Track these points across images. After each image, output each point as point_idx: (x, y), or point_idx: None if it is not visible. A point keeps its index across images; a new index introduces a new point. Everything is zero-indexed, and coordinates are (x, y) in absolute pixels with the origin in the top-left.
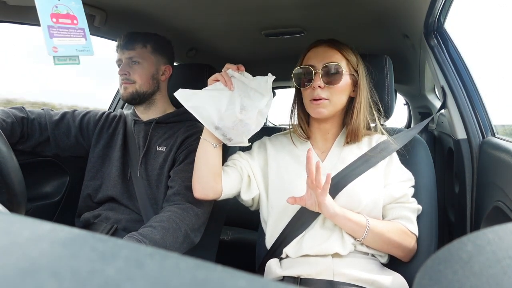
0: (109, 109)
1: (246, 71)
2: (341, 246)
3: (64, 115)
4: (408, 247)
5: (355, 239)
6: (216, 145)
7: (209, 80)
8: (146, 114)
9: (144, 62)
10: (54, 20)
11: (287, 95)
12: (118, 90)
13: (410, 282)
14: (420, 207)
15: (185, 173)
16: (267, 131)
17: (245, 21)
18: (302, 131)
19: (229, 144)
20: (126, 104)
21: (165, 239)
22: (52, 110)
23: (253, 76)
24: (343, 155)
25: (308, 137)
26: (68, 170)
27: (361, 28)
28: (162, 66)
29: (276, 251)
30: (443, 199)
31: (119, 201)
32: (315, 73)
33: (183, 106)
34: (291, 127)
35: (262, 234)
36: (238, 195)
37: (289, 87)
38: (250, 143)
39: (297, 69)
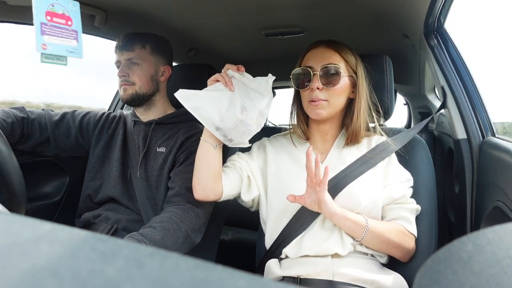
0: (109, 109)
1: (246, 71)
2: (341, 246)
3: (64, 115)
4: (407, 248)
5: (354, 239)
6: (216, 146)
7: (209, 81)
8: (146, 115)
9: (143, 63)
10: (49, 18)
11: (287, 95)
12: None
13: (410, 282)
14: (419, 207)
15: (185, 174)
16: (267, 131)
17: (245, 21)
18: (302, 132)
19: (229, 145)
20: (126, 104)
21: (165, 239)
22: (52, 111)
23: (253, 76)
24: (343, 156)
25: (307, 138)
26: (68, 170)
27: (361, 28)
28: (161, 67)
29: (276, 251)
30: (443, 199)
31: (119, 202)
32: (314, 74)
33: (182, 107)
34: (290, 127)
35: (262, 235)
36: (238, 196)
37: (289, 87)
38: (250, 144)
39: (295, 71)
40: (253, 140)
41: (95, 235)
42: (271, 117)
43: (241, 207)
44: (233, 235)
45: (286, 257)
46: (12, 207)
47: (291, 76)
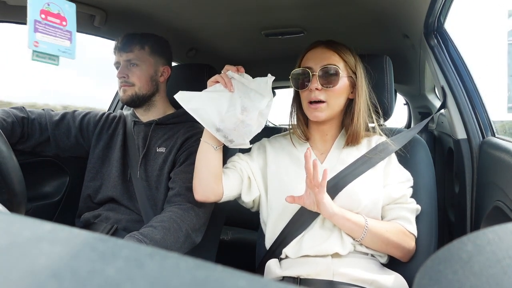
0: (108, 109)
1: (246, 71)
2: (341, 246)
3: (64, 115)
4: (407, 248)
5: (354, 239)
6: (216, 147)
7: (209, 82)
8: (146, 115)
9: (142, 64)
10: (43, 16)
11: (287, 95)
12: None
13: (410, 282)
14: (419, 207)
15: (185, 174)
16: (267, 131)
17: (245, 21)
18: (301, 132)
19: (230, 146)
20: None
21: (166, 239)
22: (52, 111)
23: (254, 76)
24: (343, 157)
25: (307, 139)
26: (68, 170)
27: (361, 28)
28: (160, 67)
29: (276, 251)
30: (443, 199)
31: (119, 202)
32: (312, 75)
33: (182, 107)
34: (290, 128)
35: (262, 235)
36: (239, 197)
37: (289, 87)
38: (251, 145)
39: (294, 71)
40: (253, 141)
41: (95, 235)
42: (271, 117)
43: (241, 207)
44: (233, 235)
45: (286, 257)
46: (12, 207)
47: (290, 77)
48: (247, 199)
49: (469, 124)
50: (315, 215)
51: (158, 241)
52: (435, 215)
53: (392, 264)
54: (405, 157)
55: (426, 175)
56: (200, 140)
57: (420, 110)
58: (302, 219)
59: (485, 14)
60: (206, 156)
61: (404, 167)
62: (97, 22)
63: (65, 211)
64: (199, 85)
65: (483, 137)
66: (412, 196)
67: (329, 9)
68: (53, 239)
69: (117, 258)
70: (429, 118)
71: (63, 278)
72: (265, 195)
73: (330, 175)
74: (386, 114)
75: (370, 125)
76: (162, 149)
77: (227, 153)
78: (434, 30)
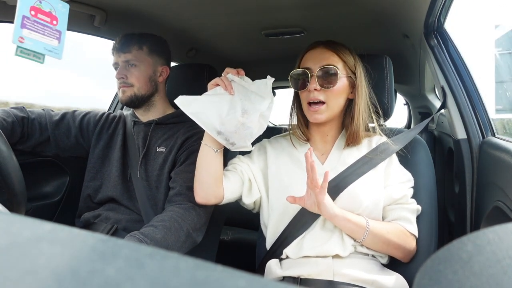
0: (108, 109)
1: (246, 71)
2: (341, 248)
3: (64, 115)
4: (408, 248)
5: (355, 241)
6: (217, 150)
7: (209, 85)
8: (146, 115)
9: (141, 65)
10: (33, 13)
11: (287, 95)
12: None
13: (410, 282)
14: (419, 207)
15: (186, 174)
16: (266, 131)
17: (245, 21)
18: (302, 133)
19: (232, 148)
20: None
21: (166, 238)
22: (52, 111)
23: (253, 75)
24: (343, 157)
25: (307, 139)
26: (68, 170)
27: (361, 28)
28: (159, 67)
29: (276, 251)
30: (443, 199)
31: (119, 202)
32: (311, 76)
33: None
34: (290, 128)
35: (262, 235)
36: (240, 198)
37: (289, 87)
38: (252, 148)
39: (293, 72)
40: (253, 141)
41: (95, 235)
42: (271, 117)
43: (241, 207)
44: (233, 235)
45: (287, 257)
46: (12, 207)
47: (289, 78)
48: (248, 201)
49: (469, 124)
50: (316, 216)
51: (159, 241)
52: (435, 215)
53: (393, 264)
54: (405, 157)
55: (426, 175)
56: (200, 139)
57: (420, 110)
58: (303, 220)
59: (474, 24)
60: (207, 159)
61: (404, 167)
62: (97, 22)
63: (65, 211)
64: (199, 85)
65: (483, 137)
66: (412, 196)
67: (329, 9)
68: (53, 239)
69: (117, 258)
70: (429, 118)
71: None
72: (266, 196)
73: (331, 176)
74: (386, 114)
75: (370, 125)
76: (162, 149)
77: (228, 155)
78: (434, 30)
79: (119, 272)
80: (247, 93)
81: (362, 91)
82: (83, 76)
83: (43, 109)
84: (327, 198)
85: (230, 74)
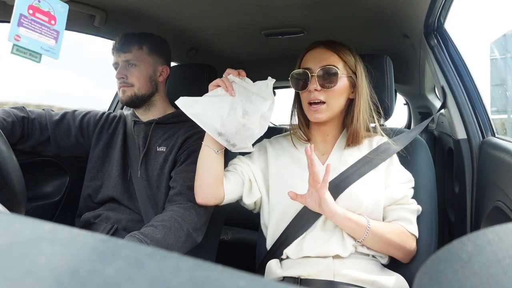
0: (109, 109)
1: (246, 71)
2: (342, 248)
3: (64, 115)
4: (408, 249)
5: (355, 240)
6: (218, 151)
7: (210, 86)
8: (146, 115)
9: (141, 65)
10: (31, 11)
11: (288, 95)
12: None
13: (410, 282)
14: (420, 207)
15: (186, 174)
16: (267, 131)
17: (245, 21)
18: (302, 133)
19: (233, 150)
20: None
21: (166, 238)
22: (53, 111)
23: (253, 75)
24: (344, 158)
25: (308, 139)
26: (68, 170)
27: (361, 28)
28: (159, 67)
29: (276, 252)
30: (443, 199)
31: (120, 202)
32: (312, 76)
33: None
34: (290, 129)
35: (262, 235)
36: (240, 199)
37: (289, 87)
38: (253, 149)
39: (294, 72)
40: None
41: (95, 235)
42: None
43: (242, 207)
44: (233, 235)
45: (287, 257)
46: (12, 207)
47: (289, 78)
48: (248, 201)
49: (469, 124)
50: (317, 216)
51: (159, 241)
52: (435, 215)
53: (393, 264)
54: (406, 157)
55: (426, 175)
56: (200, 139)
57: (420, 110)
58: (303, 220)
59: (471, 31)
60: (207, 160)
61: (404, 167)
62: (97, 22)
63: (65, 211)
64: (199, 85)
65: (483, 137)
66: (412, 197)
67: (329, 9)
68: (53, 239)
69: (117, 258)
70: (430, 119)
71: (63, 278)
72: (266, 196)
73: (331, 176)
74: (386, 114)
75: (371, 125)
76: (162, 149)
77: (228, 155)
78: (434, 30)
79: (119, 272)
80: (248, 94)
81: (363, 91)
82: (83, 76)
83: (43, 109)
84: (328, 194)
85: (231, 75)
